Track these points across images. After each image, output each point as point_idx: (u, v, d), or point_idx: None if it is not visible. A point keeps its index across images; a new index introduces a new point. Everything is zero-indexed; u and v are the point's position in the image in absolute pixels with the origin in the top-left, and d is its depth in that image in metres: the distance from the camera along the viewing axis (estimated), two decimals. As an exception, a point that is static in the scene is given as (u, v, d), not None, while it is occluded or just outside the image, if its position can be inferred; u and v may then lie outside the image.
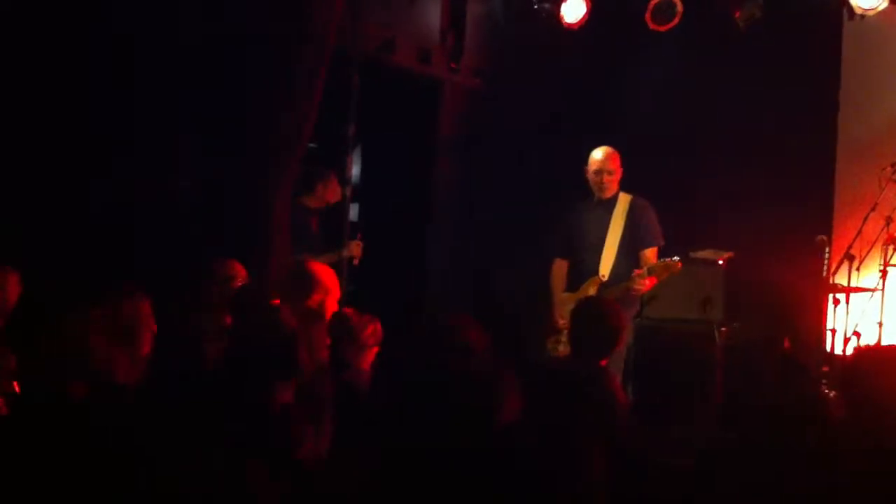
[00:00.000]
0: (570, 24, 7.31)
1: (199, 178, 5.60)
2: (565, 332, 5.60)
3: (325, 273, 4.79)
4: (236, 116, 5.65)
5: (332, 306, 4.69)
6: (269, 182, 5.77)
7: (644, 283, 5.65)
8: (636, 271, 5.68)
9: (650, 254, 5.84)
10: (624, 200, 5.98)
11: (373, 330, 4.36)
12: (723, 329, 6.34)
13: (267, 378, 3.05)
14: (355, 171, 6.86)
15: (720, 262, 6.55)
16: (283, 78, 5.69)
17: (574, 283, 5.99)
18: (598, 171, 5.94)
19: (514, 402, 2.59)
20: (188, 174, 5.55)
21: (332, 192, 6.37)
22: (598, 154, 5.98)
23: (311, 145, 6.18)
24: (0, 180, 4.76)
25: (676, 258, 5.62)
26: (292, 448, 2.83)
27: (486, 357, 3.40)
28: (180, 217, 5.42)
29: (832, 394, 5.60)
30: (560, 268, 6.09)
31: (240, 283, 5.08)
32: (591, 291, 5.84)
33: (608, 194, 5.98)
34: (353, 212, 6.88)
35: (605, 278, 5.86)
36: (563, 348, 5.64)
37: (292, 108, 5.72)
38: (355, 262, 6.18)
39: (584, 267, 5.95)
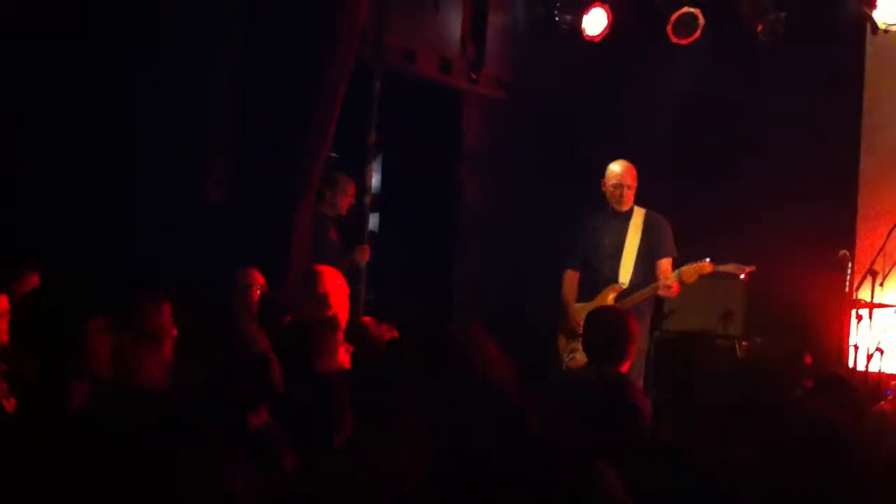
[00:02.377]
0: (591, 37, 7.30)
1: (223, 186, 5.61)
2: (581, 341, 5.64)
3: (330, 276, 4.81)
4: (259, 125, 5.66)
5: (341, 304, 4.70)
6: (290, 191, 5.78)
7: (674, 287, 5.73)
8: (663, 276, 5.75)
9: (665, 264, 5.88)
10: (639, 213, 6.03)
11: (391, 339, 4.36)
12: (744, 343, 6.31)
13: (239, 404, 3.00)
14: (376, 180, 6.85)
15: (741, 276, 6.51)
16: (305, 87, 5.70)
17: (589, 292, 6.00)
18: (618, 185, 5.97)
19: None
20: (212, 182, 5.56)
21: (344, 199, 6.36)
22: (616, 167, 6.01)
23: (332, 154, 6.19)
24: (25, 183, 4.78)
25: (707, 259, 5.68)
26: (270, 467, 2.78)
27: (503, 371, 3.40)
28: (203, 225, 5.43)
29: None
30: (572, 278, 6.10)
31: (258, 292, 5.11)
32: (610, 299, 5.87)
33: (625, 207, 6.01)
34: (374, 221, 6.87)
35: (625, 286, 5.88)
36: (580, 357, 5.63)
37: (314, 117, 5.73)
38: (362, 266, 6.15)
39: (599, 276, 5.98)
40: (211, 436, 2.71)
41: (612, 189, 5.99)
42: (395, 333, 4.49)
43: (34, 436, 2.72)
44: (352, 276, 5.62)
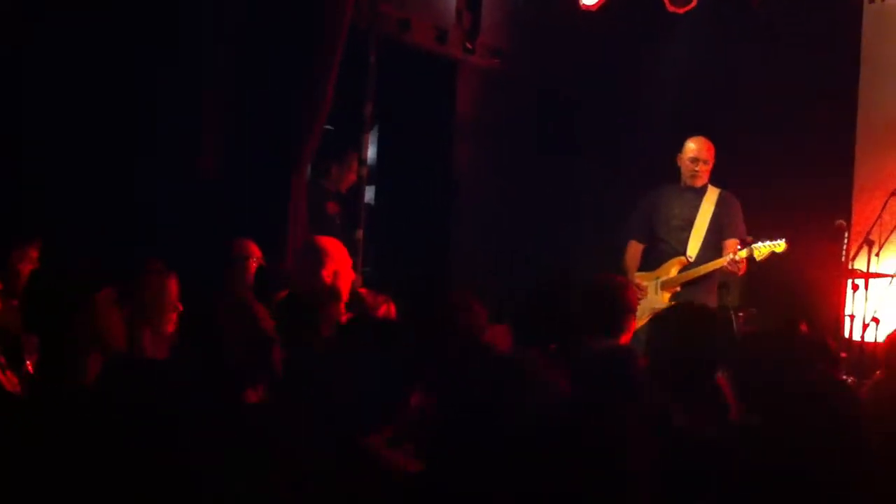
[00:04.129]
0: (587, 6, 7.23)
1: (219, 160, 5.58)
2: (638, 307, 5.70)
3: (333, 245, 4.79)
4: (254, 98, 5.61)
5: (346, 276, 4.69)
6: (286, 163, 5.74)
7: (742, 264, 5.76)
8: (731, 251, 5.77)
9: (732, 244, 5.90)
10: (714, 191, 6.06)
11: (386, 310, 4.36)
12: (740, 314, 6.31)
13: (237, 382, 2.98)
14: (371, 152, 6.82)
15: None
16: (299, 59, 5.65)
17: (652, 263, 6.05)
18: (695, 160, 5.99)
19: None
20: (208, 157, 5.52)
21: (348, 175, 6.35)
22: (693, 143, 6.03)
23: (328, 126, 6.15)
24: (30, 160, 4.74)
25: (783, 239, 5.73)
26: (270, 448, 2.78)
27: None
28: (200, 198, 5.40)
29: (850, 379, 5.59)
30: (635, 249, 6.14)
31: (255, 264, 5.09)
32: (673, 272, 5.94)
33: (700, 183, 6.03)
34: (369, 193, 6.83)
35: (692, 259, 5.94)
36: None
37: (309, 89, 5.69)
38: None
39: (666, 247, 6.02)
40: (211, 412, 2.71)
41: (689, 163, 6.01)
42: (392, 305, 4.49)
43: (49, 411, 2.71)
44: (348, 249, 5.60)
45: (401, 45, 6.82)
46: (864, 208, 6.94)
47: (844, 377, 5.65)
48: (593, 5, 7.20)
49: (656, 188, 6.18)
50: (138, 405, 2.54)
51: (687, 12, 6.90)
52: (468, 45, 7.30)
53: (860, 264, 6.30)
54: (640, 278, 6.00)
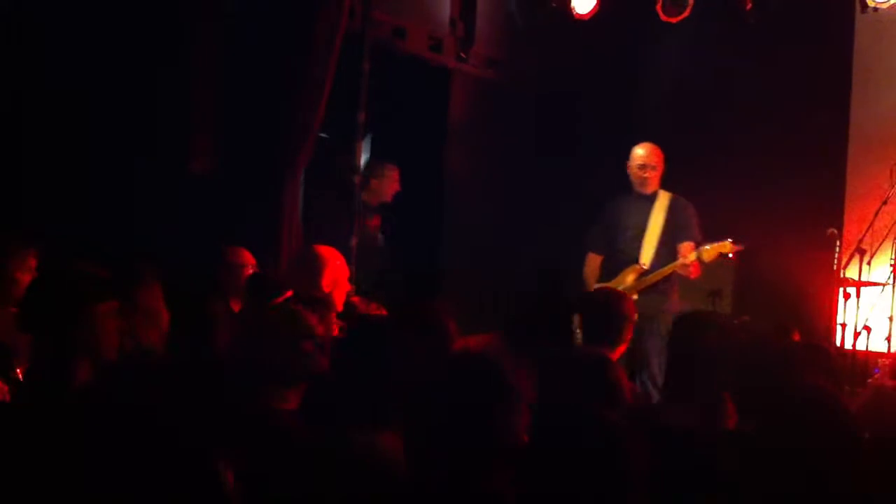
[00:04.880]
0: (580, 15, 7.26)
1: (212, 165, 5.58)
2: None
3: (332, 254, 4.79)
4: (247, 105, 5.62)
5: (343, 286, 4.70)
6: (280, 170, 5.75)
7: (693, 267, 5.78)
8: (682, 255, 5.80)
9: (686, 248, 5.90)
10: (665, 196, 6.06)
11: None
12: (733, 322, 6.32)
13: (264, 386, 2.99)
14: (364, 159, 6.82)
15: (731, 255, 6.53)
16: (293, 65, 5.67)
17: (610, 273, 6.06)
18: (643, 166, 6.01)
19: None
20: (203, 163, 5.52)
21: (388, 187, 6.48)
22: (641, 149, 6.05)
23: (322, 135, 6.16)
24: (20, 162, 4.74)
25: (729, 239, 5.74)
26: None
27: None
28: (194, 205, 5.40)
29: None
30: (594, 261, 6.17)
31: (250, 271, 5.09)
32: (630, 279, 5.93)
33: (650, 189, 6.05)
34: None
35: (646, 266, 5.94)
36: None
37: (302, 96, 5.70)
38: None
39: (622, 257, 6.03)
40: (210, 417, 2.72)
41: (637, 170, 6.03)
42: (384, 312, 4.49)
43: (39, 413, 2.71)
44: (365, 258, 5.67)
45: (395, 52, 6.84)
46: (855, 217, 6.97)
47: (841, 386, 5.67)
48: (586, 14, 7.23)
49: (613, 198, 6.19)
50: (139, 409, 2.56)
51: (679, 21, 6.95)
52: (462, 54, 7.32)
53: (852, 273, 6.33)
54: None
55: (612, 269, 6.04)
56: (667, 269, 5.86)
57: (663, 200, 6.03)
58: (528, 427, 2.37)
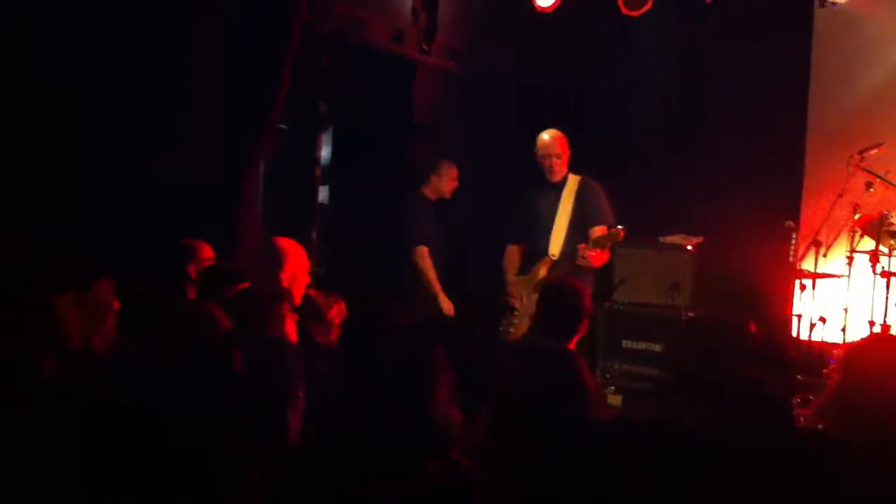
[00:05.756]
0: (542, 8, 7.28)
1: (170, 158, 5.53)
2: (516, 313, 5.73)
3: (292, 247, 4.78)
4: (204, 96, 5.58)
5: (302, 279, 4.69)
6: (239, 162, 5.72)
7: (591, 256, 5.61)
8: (580, 245, 5.66)
9: (598, 231, 5.78)
10: (573, 181, 5.94)
11: (338, 310, 4.35)
12: (690, 314, 6.39)
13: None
14: (326, 152, 6.80)
15: (689, 247, 6.60)
16: (252, 56, 5.63)
17: (527, 265, 5.98)
18: (546, 156, 5.89)
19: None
20: (160, 155, 5.48)
21: (447, 183, 6.49)
22: (546, 136, 5.92)
23: (282, 126, 6.13)
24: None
25: (620, 227, 5.59)
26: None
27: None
28: (151, 197, 5.36)
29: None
30: (512, 252, 6.10)
31: (206, 264, 5.07)
32: (543, 272, 5.83)
33: (558, 177, 5.93)
34: (324, 194, 6.81)
35: (556, 258, 5.84)
36: (515, 331, 5.68)
37: (262, 87, 5.67)
38: None
39: (537, 249, 5.94)
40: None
41: (542, 160, 5.91)
42: (342, 304, 4.49)
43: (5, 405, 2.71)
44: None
45: (356, 44, 6.81)
46: (812, 210, 7.05)
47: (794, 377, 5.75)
48: (549, 7, 7.25)
49: (528, 186, 6.11)
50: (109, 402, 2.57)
51: (641, 15, 6.98)
52: (424, 47, 7.30)
53: (808, 265, 6.41)
54: (516, 283, 5.92)
55: (528, 261, 5.96)
56: (570, 263, 5.68)
57: (572, 186, 5.91)
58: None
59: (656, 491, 2.65)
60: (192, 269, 5.00)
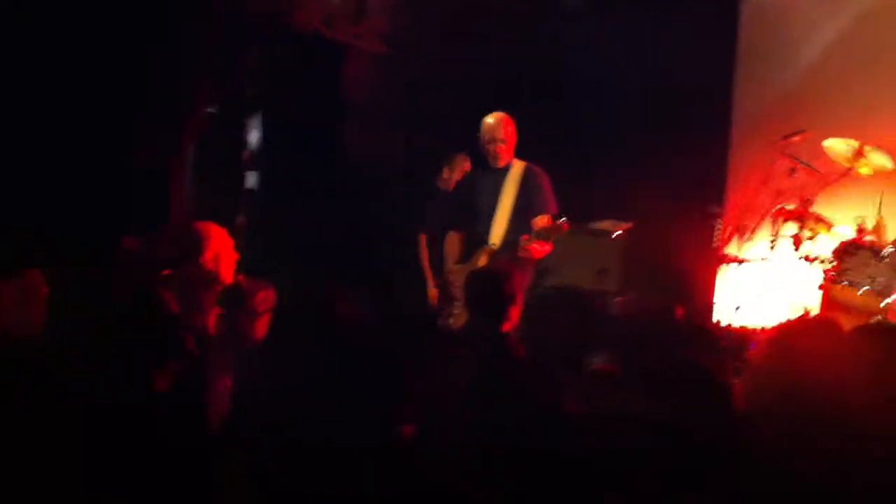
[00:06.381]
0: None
1: (96, 144, 5.42)
2: (458, 303, 5.55)
3: (211, 229, 4.75)
4: (129, 81, 5.46)
5: (228, 258, 4.66)
6: (165, 145, 5.62)
7: (533, 248, 5.49)
8: (523, 237, 5.52)
9: (541, 221, 5.63)
10: (518, 168, 5.78)
11: (263, 296, 4.28)
12: (618, 299, 6.47)
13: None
14: (255, 136, 6.71)
15: (617, 232, 6.66)
16: (177, 37, 5.53)
17: (467, 253, 5.83)
18: (491, 140, 5.72)
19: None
20: (85, 141, 5.36)
21: (459, 175, 6.49)
22: (490, 121, 5.75)
23: (209, 110, 6.04)
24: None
25: (563, 219, 5.41)
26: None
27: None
28: (77, 183, 5.26)
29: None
30: (453, 240, 5.93)
31: (133, 250, 4.99)
32: (482, 261, 5.67)
33: (502, 163, 5.76)
34: (252, 179, 6.73)
35: (496, 247, 5.71)
36: (455, 320, 5.60)
37: (187, 70, 5.58)
38: None
39: (476, 237, 5.78)
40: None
41: (487, 144, 5.73)
42: (271, 291, 4.45)
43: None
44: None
45: (286, 26, 6.73)
46: (736, 196, 7.19)
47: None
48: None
49: (470, 171, 6.03)
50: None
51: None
52: (354, 31, 7.25)
53: (732, 249, 6.53)
54: (456, 272, 5.75)
55: (468, 248, 5.80)
56: (512, 253, 5.55)
57: (516, 172, 5.73)
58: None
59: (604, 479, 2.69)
60: (121, 255, 4.94)
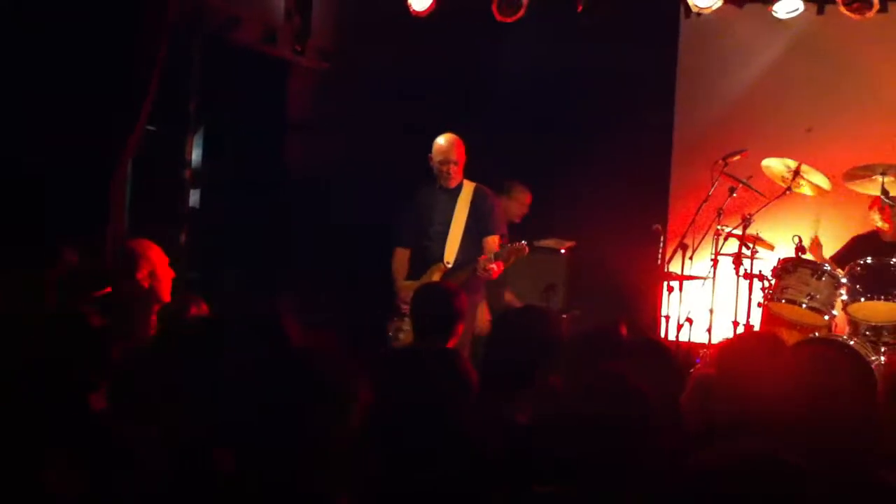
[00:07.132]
0: (417, 12, 7.26)
1: (34, 157, 5.30)
2: (406, 319, 5.57)
3: (146, 247, 4.72)
4: (70, 95, 5.35)
5: (164, 275, 4.62)
6: (105, 163, 5.51)
7: (492, 269, 5.66)
8: (482, 257, 5.69)
9: (492, 241, 5.83)
10: (468, 188, 5.94)
11: (196, 311, 4.23)
12: (564, 316, 6.49)
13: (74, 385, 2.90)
14: (197, 154, 6.61)
15: (562, 250, 6.70)
16: (118, 53, 5.43)
17: (418, 270, 5.93)
18: (444, 161, 5.86)
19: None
20: (24, 155, 5.24)
21: (517, 207, 6.71)
22: (442, 142, 5.89)
23: (150, 127, 5.93)
24: None
25: (524, 242, 5.67)
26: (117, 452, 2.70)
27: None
28: (14, 198, 5.13)
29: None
30: (401, 256, 6.02)
31: (70, 267, 4.89)
32: (435, 278, 5.79)
33: (453, 184, 5.92)
34: (195, 197, 6.62)
35: (450, 265, 5.84)
36: (405, 336, 5.61)
37: (129, 86, 5.48)
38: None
39: (428, 254, 5.91)
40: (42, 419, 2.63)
41: (438, 165, 5.88)
42: (202, 306, 4.38)
43: None
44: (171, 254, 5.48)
45: (229, 42, 6.66)
46: (678, 214, 7.27)
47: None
48: (423, 11, 7.23)
49: (420, 189, 6.07)
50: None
51: (514, 22, 7.03)
52: (297, 48, 7.20)
53: (675, 267, 6.59)
54: (406, 289, 5.75)
55: (419, 265, 5.92)
56: (469, 270, 5.72)
57: (467, 193, 5.92)
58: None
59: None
60: (55, 273, 4.84)
